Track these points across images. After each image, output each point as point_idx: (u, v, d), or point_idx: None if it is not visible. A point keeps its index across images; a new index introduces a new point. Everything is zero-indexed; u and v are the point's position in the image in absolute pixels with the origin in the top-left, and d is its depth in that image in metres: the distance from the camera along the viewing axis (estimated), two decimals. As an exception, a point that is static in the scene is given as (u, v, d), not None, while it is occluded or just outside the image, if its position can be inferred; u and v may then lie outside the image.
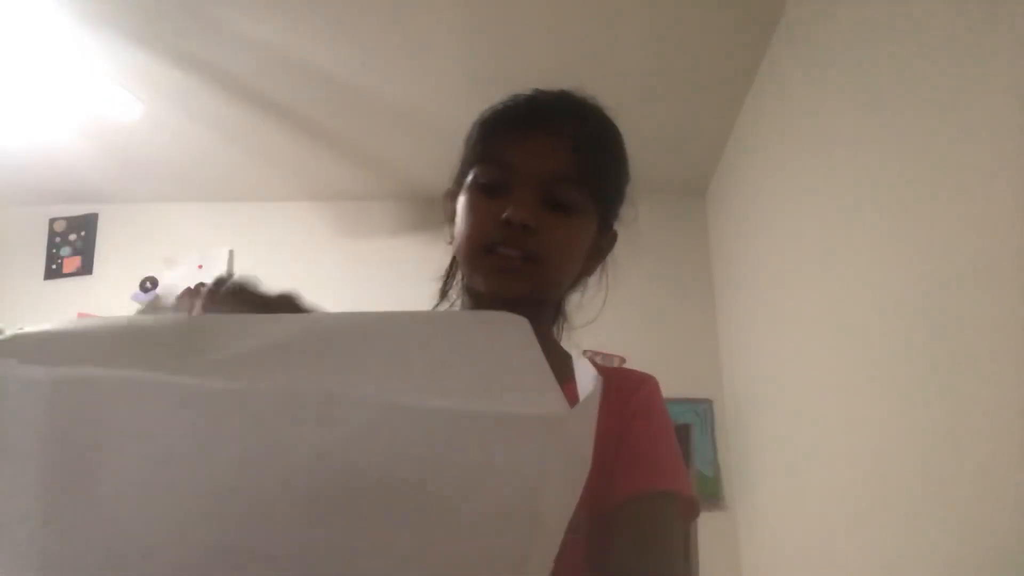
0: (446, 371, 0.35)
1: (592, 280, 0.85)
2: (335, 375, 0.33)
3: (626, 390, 0.75)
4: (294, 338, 0.35)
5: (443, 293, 0.85)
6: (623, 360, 2.64)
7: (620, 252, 0.84)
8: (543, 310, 0.79)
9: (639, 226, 0.84)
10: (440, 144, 2.68)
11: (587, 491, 0.68)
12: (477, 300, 0.77)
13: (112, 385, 0.31)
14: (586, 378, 0.40)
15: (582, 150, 0.73)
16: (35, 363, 0.31)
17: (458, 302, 0.83)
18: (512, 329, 0.38)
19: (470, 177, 0.75)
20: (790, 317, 2.00)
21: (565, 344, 0.85)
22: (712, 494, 2.58)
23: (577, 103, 0.79)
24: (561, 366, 0.77)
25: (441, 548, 0.31)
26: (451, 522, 0.31)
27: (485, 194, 0.73)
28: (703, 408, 2.72)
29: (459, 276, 0.82)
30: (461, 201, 0.76)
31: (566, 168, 0.72)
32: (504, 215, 0.69)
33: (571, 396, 0.72)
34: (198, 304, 0.67)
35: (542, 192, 0.71)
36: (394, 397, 0.32)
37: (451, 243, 0.77)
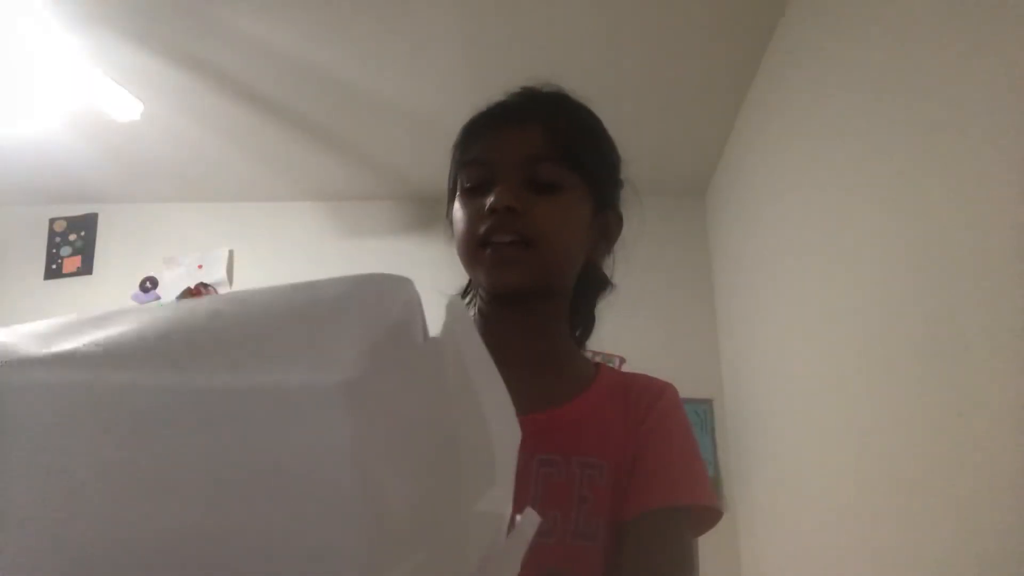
0: (260, 347, 0.30)
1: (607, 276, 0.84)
2: (152, 362, 0.31)
3: (646, 400, 0.75)
4: (149, 326, 0.33)
5: None
6: (623, 360, 2.64)
7: (620, 247, 0.84)
8: (555, 303, 0.78)
9: (642, 214, 0.84)
10: (440, 144, 2.68)
11: (604, 500, 0.69)
12: (488, 299, 0.77)
13: None
14: (455, 332, 0.35)
15: (552, 129, 0.74)
16: None
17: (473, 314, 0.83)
18: (372, 290, 0.32)
19: (458, 186, 0.77)
20: (790, 317, 2.00)
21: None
22: (712, 494, 2.58)
23: (542, 92, 0.80)
24: (574, 375, 0.77)
25: (262, 540, 0.28)
26: (254, 512, 0.28)
27: (472, 194, 0.74)
28: (703, 408, 2.73)
29: (475, 291, 0.83)
30: (454, 209, 0.77)
31: (540, 149, 0.73)
32: (488, 204, 0.70)
33: (586, 408, 0.73)
34: None
35: (523, 176, 0.72)
36: (177, 379, 0.29)
37: (459, 259, 0.78)
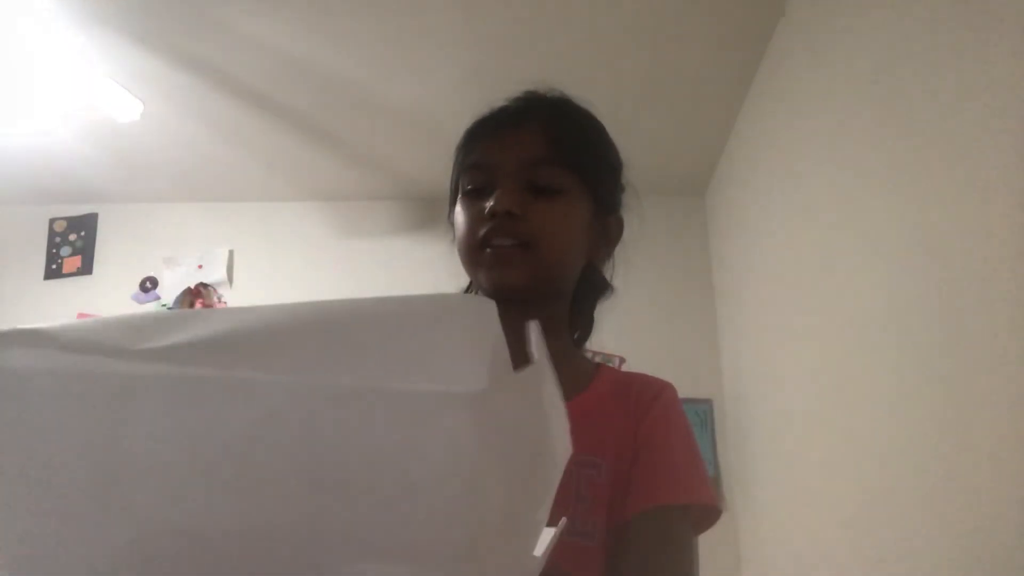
0: (375, 353, 0.33)
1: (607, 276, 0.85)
2: (257, 360, 0.33)
3: (646, 398, 0.75)
4: (230, 330, 0.35)
5: None
6: (623, 360, 2.64)
7: (620, 250, 0.84)
8: (554, 306, 0.78)
9: (643, 218, 0.84)
10: (440, 144, 2.69)
11: (603, 499, 0.69)
12: None
13: (51, 370, 0.33)
14: (539, 357, 0.38)
15: (553, 132, 0.75)
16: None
17: None
18: (469, 310, 0.36)
19: (459, 188, 0.78)
20: (790, 317, 2.00)
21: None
22: (712, 494, 2.58)
23: (542, 95, 0.81)
24: (573, 374, 0.77)
25: (366, 530, 0.31)
26: (371, 503, 0.31)
27: (473, 197, 0.75)
28: (703, 408, 2.72)
29: (475, 293, 0.84)
30: (456, 212, 0.78)
31: (540, 152, 0.74)
32: (488, 208, 0.71)
33: (585, 407, 0.73)
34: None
35: (523, 180, 0.73)
36: (308, 378, 0.32)
37: (461, 261, 0.79)
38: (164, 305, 3.09)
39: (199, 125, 2.64)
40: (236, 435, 0.31)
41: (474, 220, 0.73)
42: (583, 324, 0.85)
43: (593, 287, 0.83)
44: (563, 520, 0.44)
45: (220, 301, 3.09)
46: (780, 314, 2.08)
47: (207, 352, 0.33)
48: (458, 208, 0.77)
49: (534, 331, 0.38)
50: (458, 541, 0.31)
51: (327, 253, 3.13)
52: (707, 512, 0.71)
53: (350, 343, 0.34)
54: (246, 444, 0.31)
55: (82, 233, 3.22)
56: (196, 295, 3.09)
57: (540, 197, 0.73)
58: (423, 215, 3.12)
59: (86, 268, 3.18)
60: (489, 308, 0.36)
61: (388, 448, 0.31)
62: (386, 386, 0.31)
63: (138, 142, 2.74)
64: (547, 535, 0.42)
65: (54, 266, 3.19)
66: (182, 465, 0.31)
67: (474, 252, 0.73)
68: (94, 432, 0.32)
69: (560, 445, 0.41)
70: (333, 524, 0.31)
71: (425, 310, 0.35)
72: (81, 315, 3.06)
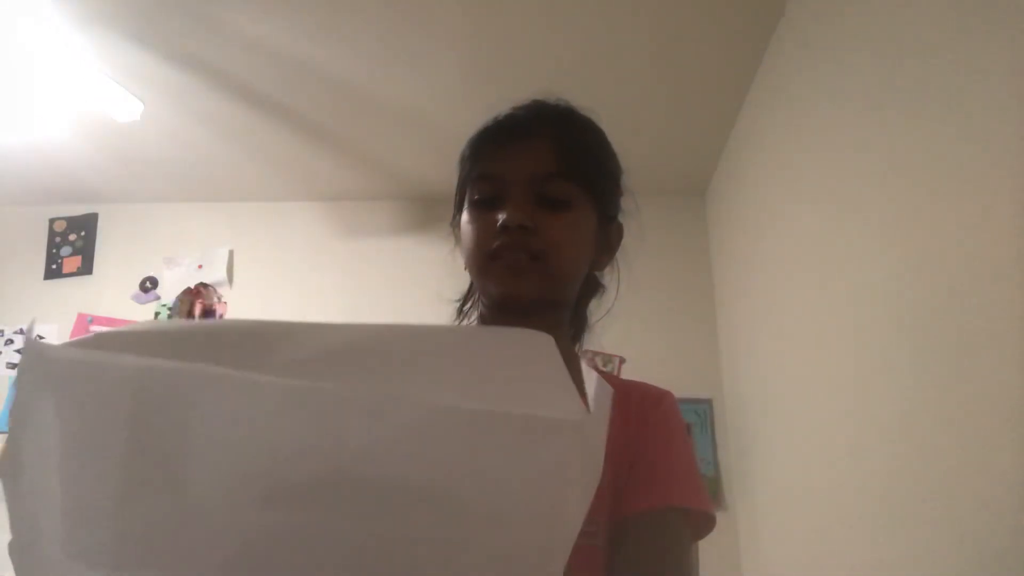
0: (479, 380, 0.39)
1: (608, 280, 0.87)
2: (385, 380, 0.38)
3: (646, 405, 0.76)
4: (344, 347, 0.40)
5: (460, 311, 0.87)
6: (623, 360, 2.64)
7: (620, 254, 0.86)
8: (559, 313, 0.80)
9: (641, 222, 0.86)
10: (440, 144, 2.70)
11: (605, 501, 0.69)
12: (493, 308, 0.78)
13: (194, 378, 0.36)
14: (598, 388, 0.43)
15: (561, 146, 0.76)
16: (125, 354, 0.37)
17: (474, 319, 0.85)
18: (537, 344, 0.43)
19: (467, 197, 0.79)
20: (790, 317, 2.00)
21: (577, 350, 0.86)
22: (712, 494, 2.58)
23: (550, 107, 0.82)
24: (576, 380, 0.78)
25: (469, 543, 0.35)
26: (481, 517, 0.35)
27: (482, 208, 0.76)
28: (703, 408, 2.72)
29: (475, 297, 0.85)
30: (463, 221, 0.79)
31: (550, 166, 0.75)
32: (501, 221, 0.72)
33: None
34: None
35: (533, 193, 0.74)
36: (437, 400, 0.36)
37: (466, 268, 0.80)
38: (164, 305, 3.10)
39: (199, 125, 2.64)
40: (364, 447, 0.34)
41: (485, 232, 0.74)
42: (576, 323, 0.87)
43: (588, 289, 0.85)
44: None
45: (220, 301, 3.09)
46: (780, 314, 2.09)
47: (331, 367, 0.38)
48: (466, 217, 0.78)
49: (585, 362, 0.44)
50: (542, 547, 0.36)
51: (327, 253, 3.13)
52: (703, 519, 0.72)
53: (452, 370, 0.39)
54: (372, 454, 0.34)
55: (82, 233, 3.23)
56: (196, 295, 3.09)
57: (549, 210, 0.74)
58: (423, 215, 3.12)
59: (86, 268, 3.18)
60: (549, 341, 0.43)
61: (498, 463, 0.35)
62: (503, 410, 0.36)
63: (138, 142, 2.74)
64: None
65: (54, 266, 3.19)
66: (313, 472, 0.34)
67: (485, 263, 0.74)
68: (261, 441, 0.35)
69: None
70: (435, 532, 0.34)
71: (501, 343, 0.42)
72: (81, 315, 3.06)
